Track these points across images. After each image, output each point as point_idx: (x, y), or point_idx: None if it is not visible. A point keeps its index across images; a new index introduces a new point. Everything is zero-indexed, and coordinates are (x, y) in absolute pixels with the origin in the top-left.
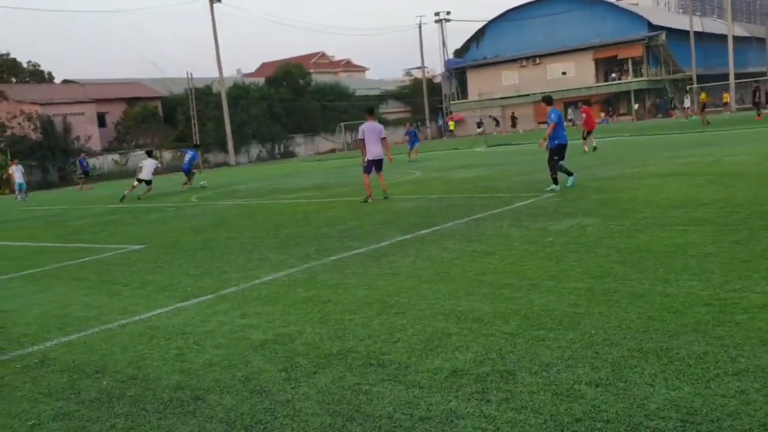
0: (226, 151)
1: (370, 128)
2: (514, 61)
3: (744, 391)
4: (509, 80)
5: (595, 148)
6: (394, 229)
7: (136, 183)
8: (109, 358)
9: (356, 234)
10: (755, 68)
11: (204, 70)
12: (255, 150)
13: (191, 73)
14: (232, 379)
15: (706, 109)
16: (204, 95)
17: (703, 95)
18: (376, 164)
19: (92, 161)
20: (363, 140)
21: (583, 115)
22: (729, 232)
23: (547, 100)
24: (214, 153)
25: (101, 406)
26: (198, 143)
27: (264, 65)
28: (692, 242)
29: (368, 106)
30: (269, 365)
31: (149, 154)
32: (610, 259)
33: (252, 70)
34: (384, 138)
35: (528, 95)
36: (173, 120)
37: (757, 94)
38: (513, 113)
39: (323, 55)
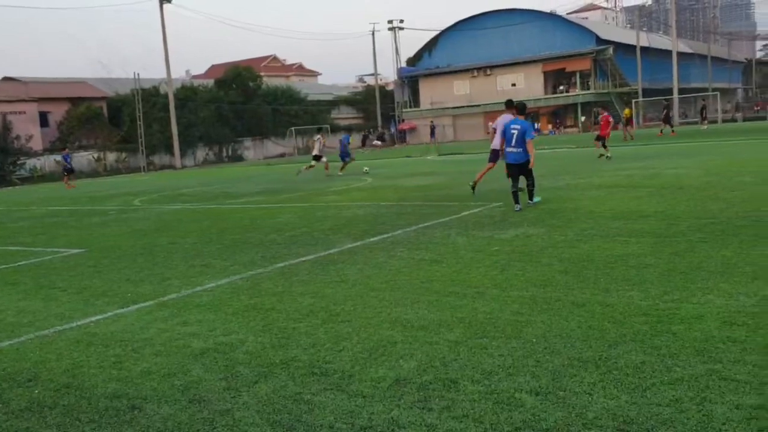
0: (171, 153)
1: (504, 121)
2: (465, 71)
3: (678, 400)
4: (461, 90)
5: (601, 156)
6: (343, 236)
7: (313, 163)
8: (42, 365)
9: (304, 241)
10: (697, 84)
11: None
12: (202, 153)
13: (138, 74)
14: (170, 388)
15: (628, 126)
16: (151, 96)
17: (627, 110)
18: (495, 155)
19: (33, 162)
20: (495, 129)
21: (609, 120)
22: (668, 244)
23: (519, 107)
24: (159, 155)
25: (32, 416)
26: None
27: (214, 67)
28: (632, 253)
29: (507, 99)
30: (209, 374)
31: (319, 131)
32: (553, 268)
33: (201, 71)
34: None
35: (479, 105)
36: (118, 121)
37: (666, 111)
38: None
39: (275, 58)
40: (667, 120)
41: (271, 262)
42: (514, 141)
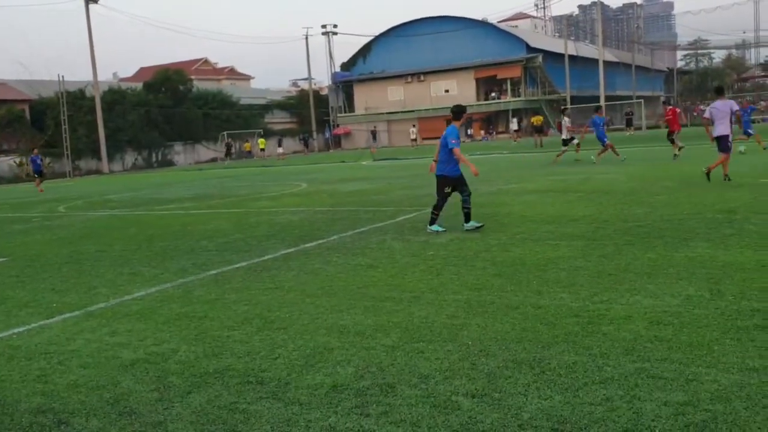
0: (99, 158)
1: (720, 105)
2: (399, 77)
3: (609, 399)
4: (395, 95)
5: (679, 150)
6: (277, 242)
7: (564, 148)
8: None
9: (238, 247)
10: (623, 91)
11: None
12: (130, 158)
13: (63, 76)
14: (99, 401)
15: (540, 133)
16: (76, 99)
17: (535, 118)
18: (723, 141)
19: None
20: (708, 118)
21: (669, 116)
22: (597, 247)
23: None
24: (86, 160)
25: None
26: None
27: (142, 70)
28: (563, 256)
29: (717, 85)
30: (140, 385)
31: (563, 112)
32: (487, 272)
33: (130, 74)
34: (736, 111)
35: (413, 111)
36: (42, 124)
37: (629, 116)
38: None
39: (206, 61)
40: (630, 124)
41: (203, 269)
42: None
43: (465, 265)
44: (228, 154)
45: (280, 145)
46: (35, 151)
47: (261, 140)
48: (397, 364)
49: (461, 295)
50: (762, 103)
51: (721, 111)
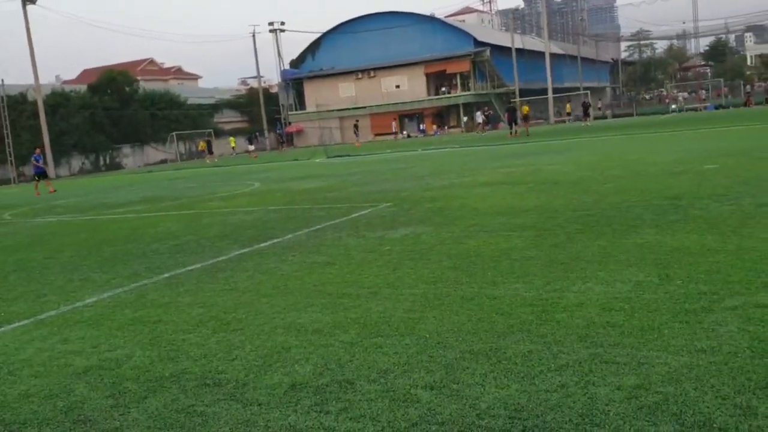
0: (44, 162)
1: None
2: (350, 73)
3: (564, 385)
4: (346, 92)
5: None
6: (231, 242)
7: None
8: None
9: (190, 249)
10: (569, 83)
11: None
12: (77, 162)
13: (2, 80)
14: (52, 410)
15: (529, 121)
16: (17, 104)
17: (525, 108)
18: None
19: None
20: None
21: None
22: (548, 236)
23: None
24: (30, 165)
25: None
26: None
27: (86, 72)
28: (516, 247)
29: None
30: (94, 392)
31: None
32: (443, 264)
33: (73, 76)
34: None
35: (365, 107)
36: None
37: (510, 113)
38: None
39: (152, 61)
40: (586, 114)
41: (155, 272)
42: None
43: (421, 259)
44: (210, 152)
45: (251, 143)
46: (37, 149)
47: (231, 139)
48: (356, 360)
49: (418, 288)
50: (702, 91)
51: None
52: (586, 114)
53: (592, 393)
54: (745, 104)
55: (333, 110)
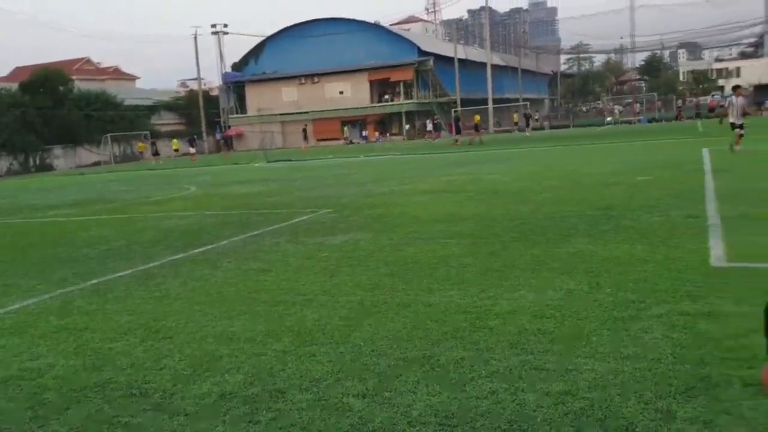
0: None
1: None
2: (293, 78)
3: (494, 392)
4: (289, 96)
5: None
6: (164, 248)
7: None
8: None
9: (121, 254)
10: (510, 94)
11: None
12: (5, 162)
13: None
14: None
15: (480, 130)
16: None
17: (477, 117)
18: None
19: None
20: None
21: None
22: (484, 244)
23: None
24: None
25: None
26: None
27: (18, 70)
28: (453, 254)
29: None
30: (13, 404)
31: (735, 89)
32: (380, 271)
33: (4, 74)
34: None
35: (307, 112)
36: None
37: (455, 122)
38: (305, 127)
39: (88, 61)
40: (528, 124)
41: (83, 278)
42: None
43: (359, 266)
44: (155, 153)
45: (192, 145)
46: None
47: (174, 141)
48: (288, 369)
49: (355, 296)
50: (637, 105)
51: None
52: (527, 124)
53: (521, 399)
54: (677, 118)
55: (275, 114)
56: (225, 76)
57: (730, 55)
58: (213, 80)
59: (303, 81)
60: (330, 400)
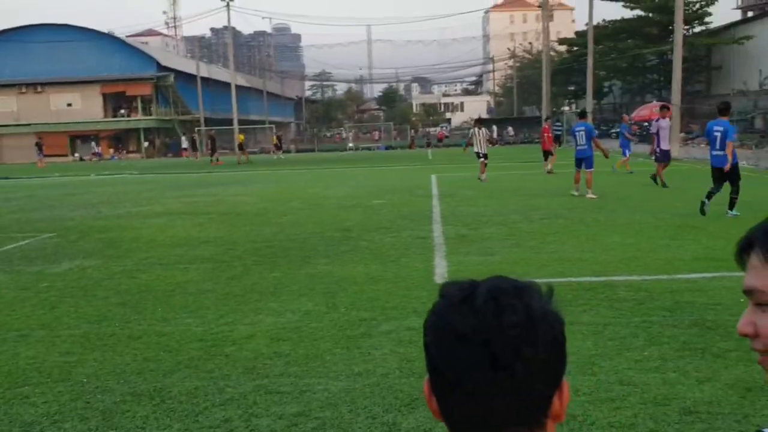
0: None
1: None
2: (12, 86)
3: (228, 419)
4: (6, 106)
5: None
6: None
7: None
8: None
9: None
10: (256, 116)
11: None
12: None
13: None
14: None
15: (245, 149)
16: None
17: (241, 136)
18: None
19: None
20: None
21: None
22: (226, 269)
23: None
24: None
25: None
26: None
27: None
28: (192, 280)
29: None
30: None
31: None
32: (110, 301)
33: None
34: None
35: (29, 125)
36: None
37: (211, 141)
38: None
39: None
40: (279, 147)
41: None
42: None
43: (85, 296)
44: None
45: None
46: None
47: None
48: None
49: (78, 329)
50: (376, 132)
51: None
52: (278, 147)
53: (255, 424)
54: (410, 146)
55: None
56: None
57: (455, 90)
58: None
59: (24, 90)
60: None
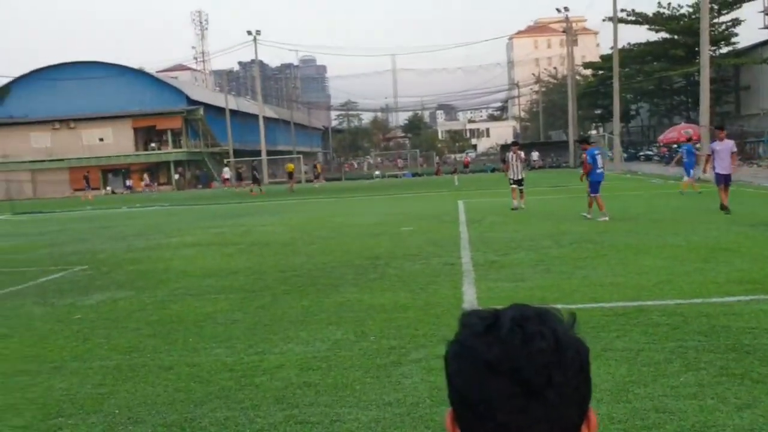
0: None
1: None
2: (45, 122)
3: None
4: (40, 143)
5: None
6: None
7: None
8: None
9: None
10: (283, 146)
11: None
12: None
13: None
14: None
15: (294, 178)
16: None
17: (290, 166)
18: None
19: None
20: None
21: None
22: (255, 298)
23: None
24: None
25: None
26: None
27: None
28: (221, 310)
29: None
30: None
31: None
32: (141, 332)
33: None
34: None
35: (63, 160)
36: None
37: (254, 171)
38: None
39: None
40: (317, 177)
41: None
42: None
43: (116, 327)
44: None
45: None
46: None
47: None
48: None
49: (110, 360)
50: (400, 160)
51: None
52: (316, 176)
53: None
54: (436, 173)
55: (23, 161)
56: None
57: (481, 117)
58: None
59: (57, 126)
60: None
